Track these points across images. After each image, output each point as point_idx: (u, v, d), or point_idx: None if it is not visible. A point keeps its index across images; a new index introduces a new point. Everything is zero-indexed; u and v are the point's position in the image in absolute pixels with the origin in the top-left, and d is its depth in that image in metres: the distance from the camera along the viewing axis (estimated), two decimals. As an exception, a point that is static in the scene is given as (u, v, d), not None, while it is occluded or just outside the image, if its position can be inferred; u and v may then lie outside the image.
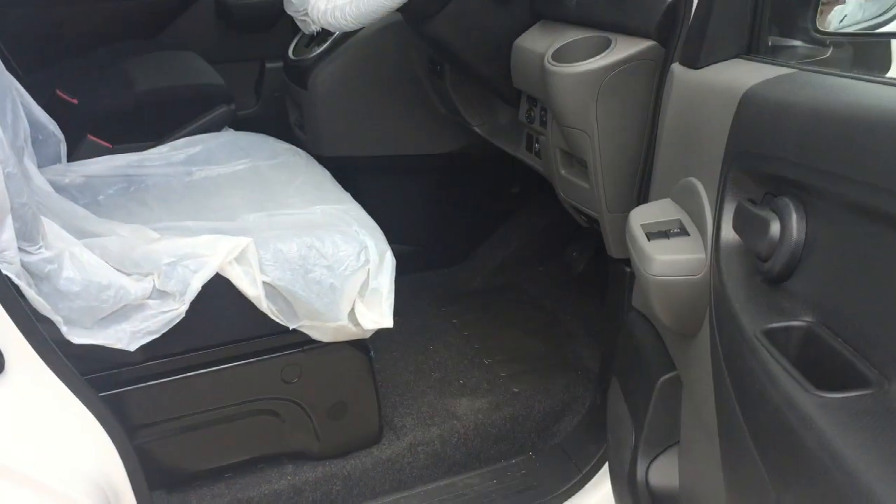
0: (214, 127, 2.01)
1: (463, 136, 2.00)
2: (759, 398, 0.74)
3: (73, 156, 1.79)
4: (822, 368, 0.71)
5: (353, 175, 1.86)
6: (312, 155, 1.86)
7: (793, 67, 0.98)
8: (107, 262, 1.29)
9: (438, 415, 1.68)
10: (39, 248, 1.21)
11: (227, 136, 1.83)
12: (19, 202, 1.16)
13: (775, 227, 0.84)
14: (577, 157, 1.50)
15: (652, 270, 1.10)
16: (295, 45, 2.12)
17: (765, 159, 0.93)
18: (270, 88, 2.64)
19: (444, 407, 1.71)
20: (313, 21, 1.52)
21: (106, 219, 1.49)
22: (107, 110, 2.02)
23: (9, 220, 1.14)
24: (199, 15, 2.55)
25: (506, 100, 1.74)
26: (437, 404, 1.72)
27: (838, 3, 1.22)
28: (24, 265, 1.17)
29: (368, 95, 1.98)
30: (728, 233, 1.00)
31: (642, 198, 1.40)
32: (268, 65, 2.64)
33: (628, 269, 1.47)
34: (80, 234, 1.36)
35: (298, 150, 1.80)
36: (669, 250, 1.10)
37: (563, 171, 1.56)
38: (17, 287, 1.13)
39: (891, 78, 0.83)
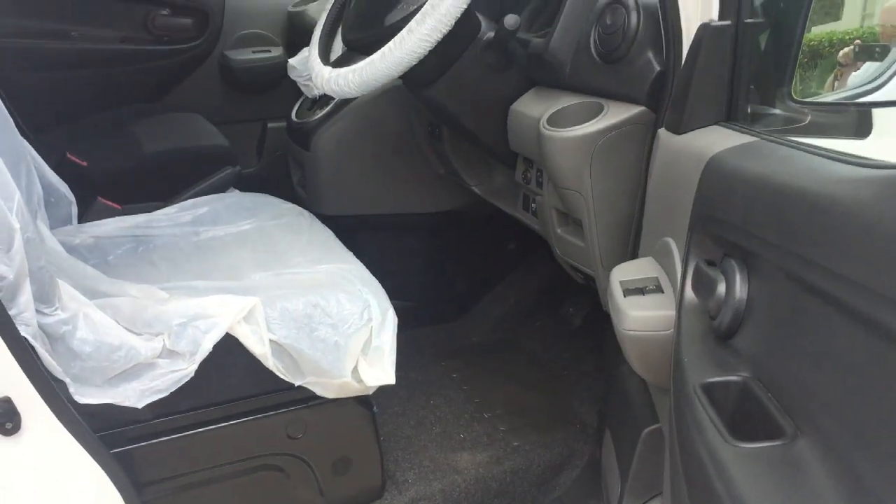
0: (220, 187, 2.07)
1: (460, 195, 2.06)
2: (689, 448, 0.79)
3: (83, 217, 1.84)
4: (752, 421, 0.76)
5: (353, 233, 1.91)
6: (315, 213, 1.92)
7: (757, 136, 1.04)
8: (118, 321, 1.34)
9: (440, 469, 1.71)
10: (55, 309, 1.25)
11: (233, 197, 1.88)
12: (37, 266, 1.21)
13: (721, 287, 0.89)
14: (572, 217, 1.55)
15: (625, 325, 1.15)
16: (298, 108, 2.19)
17: (719, 223, 0.99)
18: (272, 148, 2.73)
19: (445, 461, 1.74)
20: (317, 87, 1.58)
21: (116, 279, 1.54)
22: (115, 172, 2.08)
23: (27, 284, 1.18)
24: (204, 77, 2.63)
25: (502, 161, 1.80)
26: (439, 458, 1.75)
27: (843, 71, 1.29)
28: (40, 326, 1.21)
29: (369, 156, 2.04)
30: (689, 292, 1.05)
31: (634, 255, 1.45)
32: (270, 125, 2.73)
33: (623, 325, 1.51)
34: (92, 294, 1.40)
35: (302, 210, 1.86)
36: (642, 307, 1.15)
37: (559, 230, 1.62)
38: (33, 348, 1.18)
39: (835, 152, 0.88)
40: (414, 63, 1.45)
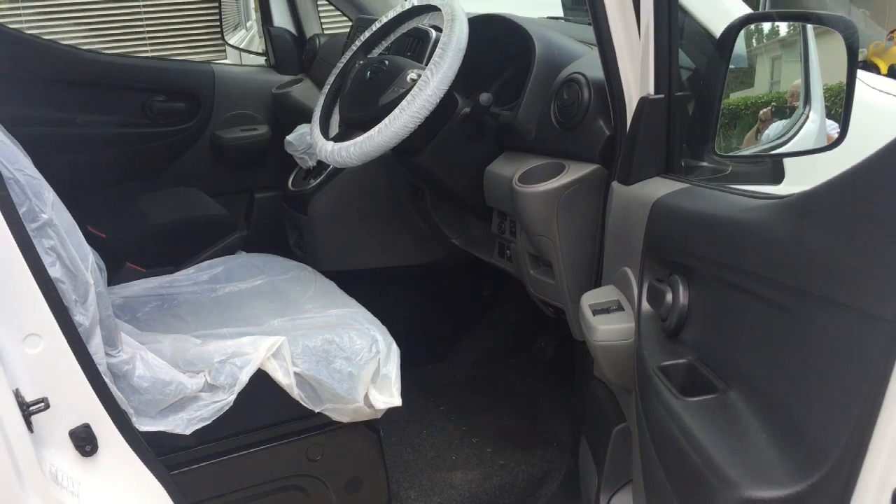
0: (230, 250, 2.31)
1: (440, 248, 2.33)
2: (652, 410, 1.05)
3: (113, 280, 2.07)
4: (695, 386, 1.03)
5: (347, 285, 2.16)
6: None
7: (689, 183, 1.34)
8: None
9: (437, 486, 1.95)
10: (119, 351, 1.48)
11: (244, 258, 2.13)
12: (105, 314, 1.44)
13: (669, 297, 1.18)
14: (543, 259, 1.83)
15: (595, 337, 1.42)
16: (293, 178, 2.46)
17: (664, 250, 1.27)
18: (260, 216, 2.98)
19: (441, 480, 1.97)
20: (322, 158, 1.85)
21: (148, 332, 1.78)
22: (132, 242, 2.31)
23: (97, 330, 1.42)
24: (197, 154, 2.89)
25: (478, 215, 2.08)
26: (436, 478, 1.98)
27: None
28: (108, 366, 1.44)
29: (359, 218, 2.31)
30: (645, 305, 1.33)
31: (598, 286, 1.73)
32: (256, 195, 2.99)
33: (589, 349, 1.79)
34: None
35: (305, 266, 2.11)
36: (609, 322, 1.43)
37: (532, 272, 1.89)
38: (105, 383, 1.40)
39: (742, 191, 1.18)
40: (405, 136, 1.74)
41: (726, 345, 1.02)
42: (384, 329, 1.76)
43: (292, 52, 3.00)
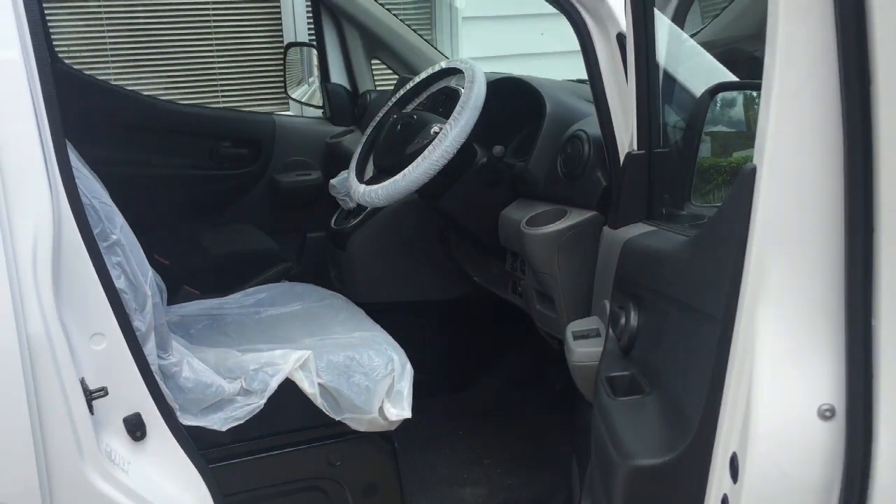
0: (275, 279, 2.58)
1: (464, 286, 2.56)
2: (594, 409, 1.25)
3: (171, 301, 2.35)
4: (633, 392, 1.22)
5: (379, 316, 2.39)
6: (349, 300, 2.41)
7: (656, 226, 1.54)
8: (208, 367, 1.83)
9: (448, 499, 2.14)
10: (169, 355, 1.74)
11: (285, 286, 2.39)
12: (159, 323, 1.71)
13: (623, 320, 1.38)
14: (546, 295, 2.04)
15: (573, 359, 1.63)
16: (336, 218, 2.73)
17: (625, 282, 1.48)
18: (310, 253, 3.25)
19: (452, 494, 2.17)
20: (354, 200, 2.11)
21: (197, 345, 2.04)
22: (191, 270, 2.61)
23: (152, 335, 1.68)
24: (257, 195, 3.19)
25: (495, 255, 2.31)
26: (447, 492, 2.18)
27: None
28: (159, 367, 1.70)
29: (392, 255, 2.56)
30: (610, 330, 1.54)
31: (593, 322, 1.93)
32: (308, 234, 3.26)
33: (587, 377, 1.98)
34: (183, 354, 1.90)
35: (340, 295, 2.36)
36: (585, 346, 1.63)
37: (538, 306, 2.10)
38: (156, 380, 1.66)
39: (683, 232, 1.39)
40: (426, 181, 1.98)
41: (657, 356, 1.22)
42: (401, 350, 1.98)
43: (346, 105, 3.29)
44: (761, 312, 0.82)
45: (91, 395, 1.52)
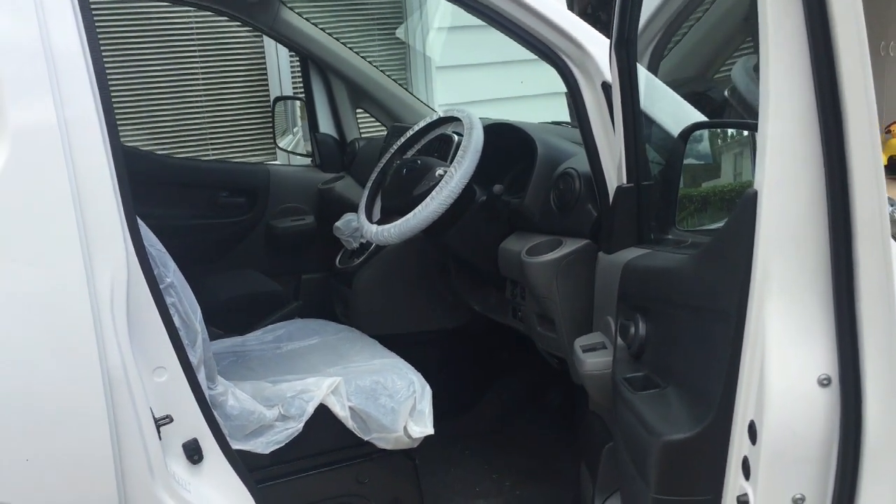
0: (287, 317, 2.76)
1: (464, 314, 2.77)
2: (618, 405, 1.46)
3: (196, 341, 2.51)
4: (648, 388, 1.44)
5: (386, 347, 2.59)
6: (355, 333, 2.60)
7: (651, 248, 1.77)
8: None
9: (464, 510, 2.33)
10: (216, 385, 1.92)
11: (300, 323, 2.58)
12: (207, 356, 1.88)
13: (632, 330, 1.60)
14: (547, 317, 2.26)
15: (584, 369, 1.84)
16: (340, 258, 2.92)
17: (629, 297, 1.70)
18: (306, 294, 3.42)
19: (468, 505, 2.36)
20: (368, 239, 2.31)
21: (225, 380, 2.20)
22: (204, 312, 2.76)
23: (202, 368, 1.86)
24: (254, 241, 3.36)
25: (495, 284, 2.52)
26: (462, 504, 2.36)
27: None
28: (209, 397, 1.87)
29: (397, 290, 2.76)
30: (619, 340, 1.76)
31: (591, 339, 2.15)
32: (303, 276, 3.44)
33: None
34: (216, 388, 2.06)
35: (353, 329, 2.55)
36: (594, 357, 1.85)
37: (539, 329, 2.31)
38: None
39: (679, 251, 1.63)
40: (435, 219, 2.19)
41: (668, 357, 1.45)
42: (419, 374, 2.18)
43: (335, 153, 3.50)
44: (768, 305, 1.05)
45: (159, 423, 1.68)
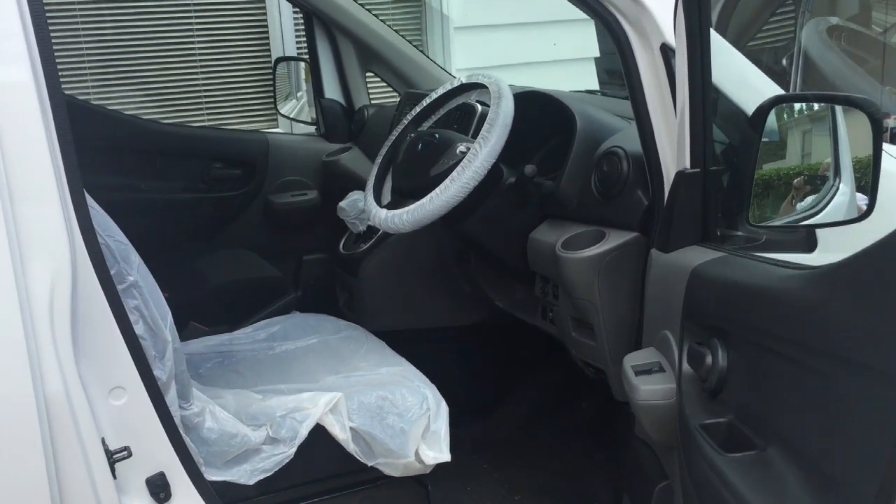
0: (284, 310, 2.43)
1: (482, 310, 2.44)
2: (695, 465, 1.13)
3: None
4: (736, 443, 1.11)
5: (394, 344, 2.26)
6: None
7: (724, 251, 1.43)
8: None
9: (483, 543, 2.02)
10: (190, 405, 1.60)
11: (297, 318, 2.25)
12: (180, 370, 1.56)
13: (709, 359, 1.26)
14: (584, 322, 1.92)
15: (638, 397, 1.51)
16: (345, 242, 2.59)
17: (702, 315, 1.36)
18: (307, 277, 3.10)
19: (486, 536, 2.04)
20: (377, 225, 1.97)
21: (209, 386, 1.89)
22: (191, 301, 2.44)
23: (173, 384, 1.53)
24: (250, 218, 3.03)
25: (521, 279, 2.19)
26: (481, 534, 2.05)
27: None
28: (181, 418, 1.55)
29: (407, 280, 2.43)
30: (686, 367, 1.42)
31: (637, 348, 1.82)
32: (305, 257, 3.12)
33: (630, 410, 1.87)
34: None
35: (356, 326, 2.22)
36: (650, 382, 1.51)
37: (573, 334, 1.98)
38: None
39: (776, 261, 1.28)
40: (455, 205, 1.86)
41: (764, 405, 1.11)
42: (433, 387, 1.85)
43: (342, 122, 3.15)
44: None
45: (113, 458, 1.37)
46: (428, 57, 3.18)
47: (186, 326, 2.32)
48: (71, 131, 1.31)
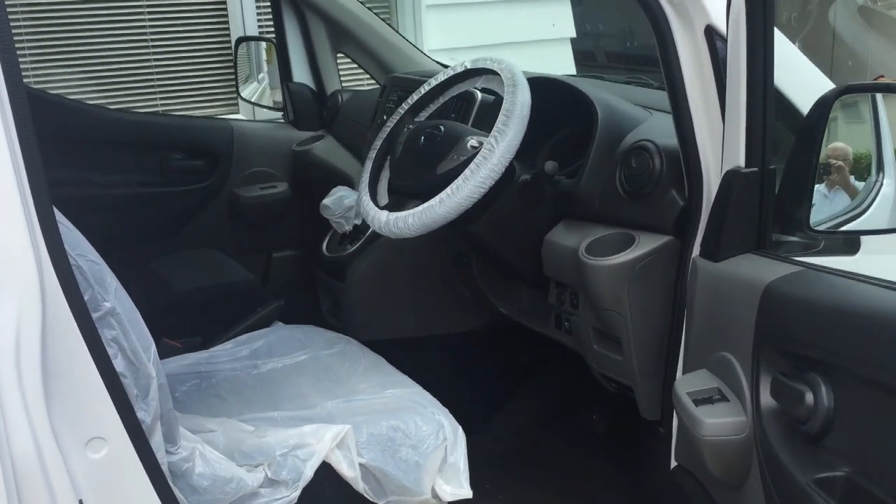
0: (267, 321, 2.19)
1: (483, 316, 2.24)
2: None
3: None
4: None
5: (386, 354, 2.05)
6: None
7: (798, 265, 1.25)
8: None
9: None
10: (178, 448, 1.36)
11: (282, 331, 2.02)
12: (166, 409, 1.33)
13: (810, 397, 1.08)
14: (610, 335, 1.74)
15: (703, 432, 1.32)
16: (328, 243, 2.35)
17: (788, 342, 1.19)
18: (277, 276, 2.87)
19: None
20: (377, 230, 1.75)
21: (189, 414, 1.65)
22: (154, 312, 2.18)
23: (158, 426, 1.30)
24: (214, 213, 2.78)
25: (532, 285, 2.00)
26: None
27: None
28: (168, 466, 1.32)
29: (399, 285, 2.21)
30: (767, 400, 1.24)
31: (670, 366, 1.64)
32: (274, 254, 2.89)
33: (662, 430, 1.69)
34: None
35: (349, 338, 2.00)
36: (715, 414, 1.33)
37: (595, 347, 1.80)
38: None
39: (883, 280, 1.10)
40: (469, 207, 1.65)
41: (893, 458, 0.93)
42: (448, 412, 1.66)
43: (312, 108, 2.91)
44: None
45: (93, 525, 1.14)
46: (405, 38, 2.95)
47: (158, 344, 2.06)
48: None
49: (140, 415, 1.25)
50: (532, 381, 2.45)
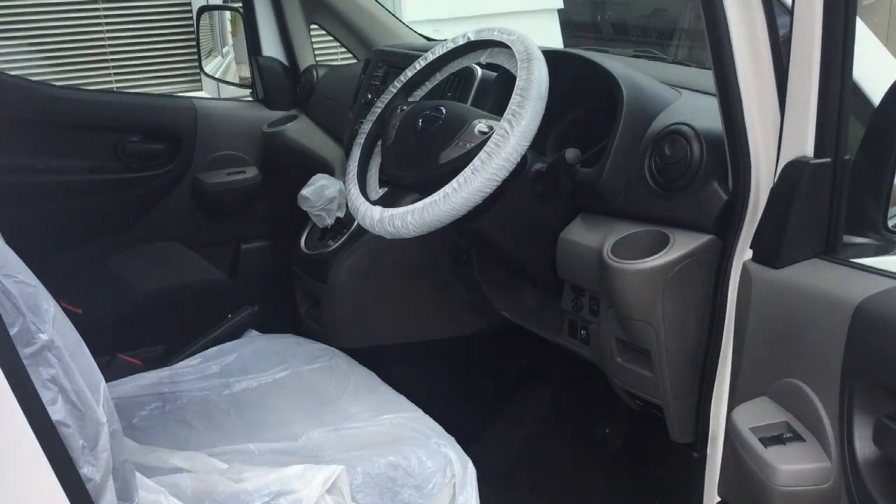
0: (238, 331, 1.93)
1: (481, 319, 2.02)
2: None
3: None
4: None
5: (373, 364, 1.82)
6: (332, 346, 1.82)
7: (849, 267, 1.04)
8: (186, 504, 1.21)
9: None
10: (136, 500, 1.12)
11: (259, 342, 1.77)
12: (120, 461, 1.08)
13: None
14: (637, 348, 1.52)
15: (778, 481, 1.11)
16: (306, 238, 2.10)
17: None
18: (246, 270, 2.62)
19: None
20: (368, 228, 1.51)
21: (151, 446, 1.40)
22: (114, 318, 1.93)
23: (110, 482, 1.05)
24: (176, 202, 2.53)
25: (541, 287, 1.77)
26: None
27: None
28: (124, 530, 1.08)
29: (389, 286, 1.98)
30: (866, 446, 1.03)
31: (706, 385, 1.42)
32: (243, 246, 2.64)
33: (695, 454, 1.48)
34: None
35: (335, 350, 1.76)
36: (791, 459, 1.11)
37: (618, 359, 1.58)
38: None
39: None
40: (479, 202, 1.41)
41: None
42: (454, 442, 1.43)
43: (284, 85, 2.66)
44: None
45: None
46: (385, 7, 2.69)
47: (112, 362, 1.80)
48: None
49: (86, 471, 1.00)
50: (534, 390, 2.23)
